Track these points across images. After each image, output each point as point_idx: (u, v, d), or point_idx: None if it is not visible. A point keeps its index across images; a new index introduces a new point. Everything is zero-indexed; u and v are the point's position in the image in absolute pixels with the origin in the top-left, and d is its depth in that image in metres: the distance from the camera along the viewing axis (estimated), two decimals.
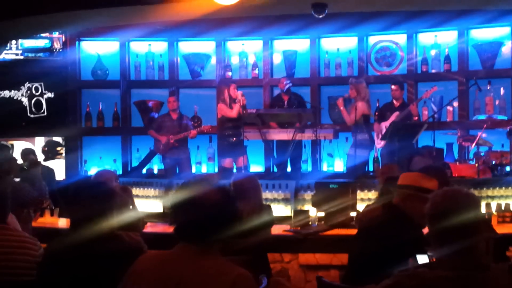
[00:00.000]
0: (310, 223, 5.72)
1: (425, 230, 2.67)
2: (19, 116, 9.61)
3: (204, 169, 9.24)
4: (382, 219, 3.66)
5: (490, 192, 6.34)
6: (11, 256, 3.46)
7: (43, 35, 9.50)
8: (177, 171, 8.66)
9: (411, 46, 9.05)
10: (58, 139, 9.50)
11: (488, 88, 8.50)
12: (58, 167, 8.86)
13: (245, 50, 9.54)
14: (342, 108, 8.21)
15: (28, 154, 7.78)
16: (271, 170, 8.77)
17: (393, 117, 8.10)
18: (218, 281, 2.33)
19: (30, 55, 9.63)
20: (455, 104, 8.72)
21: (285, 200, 6.71)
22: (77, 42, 9.60)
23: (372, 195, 6.31)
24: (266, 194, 6.44)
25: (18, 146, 9.16)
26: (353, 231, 3.99)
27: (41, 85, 9.67)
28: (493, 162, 7.19)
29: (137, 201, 5.60)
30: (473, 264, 2.38)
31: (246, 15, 7.95)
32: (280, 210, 6.45)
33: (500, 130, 7.88)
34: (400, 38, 9.21)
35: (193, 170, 8.98)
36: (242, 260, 3.62)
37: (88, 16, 7.29)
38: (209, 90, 9.55)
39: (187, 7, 6.56)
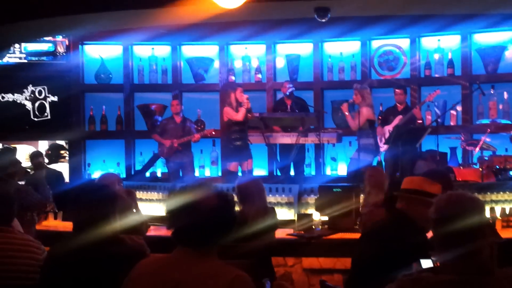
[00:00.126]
0: (313, 227, 5.71)
1: (429, 234, 2.66)
2: (23, 120, 9.62)
3: (207, 173, 9.24)
4: (386, 223, 3.65)
5: (494, 197, 6.33)
6: (15, 260, 3.46)
7: (46, 38, 9.53)
8: (181, 174, 8.66)
9: (414, 50, 9.05)
10: (62, 142, 9.51)
11: (492, 92, 8.50)
12: (62, 171, 8.86)
13: (248, 54, 9.54)
14: (346, 113, 8.20)
15: (36, 156, 7.79)
16: (275, 174, 8.76)
17: (396, 120, 8.10)
18: (216, 282, 2.33)
19: (33, 58, 9.65)
20: (459, 108, 8.72)
21: (289, 204, 6.70)
22: (80, 46, 9.62)
23: None
24: (270, 198, 6.44)
25: (22, 150, 9.18)
26: (357, 235, 3.98)
27: (44, 89, 9.69)
28: (497, 167, 7.18)
29: (140, 204, 5.60)
30: (477, 268, 2.37)
31: (249, 19, 7.95)
32: (283, 214, 6.44)
33: (504, 135, 7.87)
34: (403, 42, 9.21)
35: (197, 174, 8.98)
36: (245, 264, 3.62)
37: (92, 20, 7.30)
38: (212, 94, 9.56)
39: (190, 11, 6.56)
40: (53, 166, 8.64)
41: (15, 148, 7.74)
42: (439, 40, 8.98)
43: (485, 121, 8.36)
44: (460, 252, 2.38)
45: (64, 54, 9.65)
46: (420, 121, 8.11)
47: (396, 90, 8.32)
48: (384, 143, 7.95)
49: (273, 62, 9.48)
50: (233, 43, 9.58)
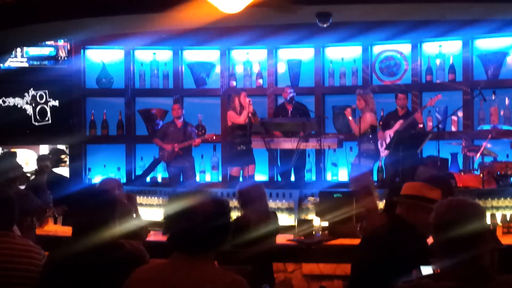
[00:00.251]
0: (313, 232, 5.70)
1: (430, 240, 2.65)
2: (24, 124, 9.62)
3: (208, 178, 9.23)
4: (386, 229, 3.63)
5: (495, 203, 6.32)
6: (16, 265, 3.45)
7: (48, 43, 9.53)
8: (181, 179, 8.66)
9: (416, 55, 9.04)
10: (62, 147, 9.50)
11: (493, 98, 8.49)
12: (65, 175, 8.86)
13: (250, 59, 9.55)
14: (350, 118, 8.18)
15: (43, 159, 7.78)
16: (275, 179, 8.75)
17: (397, 125, 8.10)
18: (213, 287, 2.34)
19: (35, 63, 9.65)
20: (460, 114, 8.71)
21: (289, 209, 6.70)
22: (82, 50, 9.63)
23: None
24: (270, 203, 6.42)
25: (22, 154, 9.17)
26: (357, 241, 3.96)
27: (45, 93, 9.69)
28: (498, 173, 7.16)
29: (140, 209, 5.59)
30: (478, 275, 2.37)
31: (251, 24, 7.95)
32: (283, 219, 6.43)
33: (505, 140, 7.86)
34: (404, 48, 9.21)
35: (197, 179, 8.98)
36: (246, 269, 3.61)
37: (93, 24, 7.31)
38: (213, 98, 9.56)
39: (192, 16, 6.56)
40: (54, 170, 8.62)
41: (15, 153, 7.73)
42: (440, 45, 8.98)
43: (486, 127, 8.35)
44: (461, 258, 2.38)
45: (65, 58, 9.65)
46: (421, 126, 8.10)
47: (399, 95, 8.32)
48: (385, 149, 7.94)
49: (275, 67, 9.48)
50: (235, 48, 9.58)
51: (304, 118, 8.34)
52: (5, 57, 9.49)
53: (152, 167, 9.01)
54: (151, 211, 6.96)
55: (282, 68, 9.58)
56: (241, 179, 8.38)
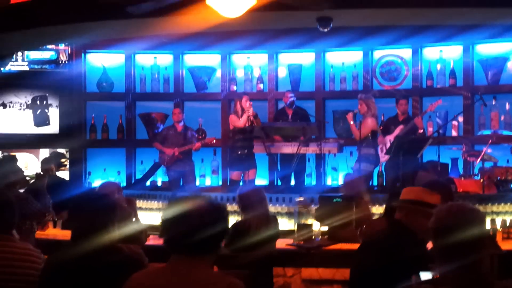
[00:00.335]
0: (313, 237, 5.68)
1: (429, 246, 2.65)
2: (24, 128, 9.62)
3: (208, 182, 9.23)
4: (385, 234, 3.63)
5: (495, 208, 6.31)
6: (16, 270, 3.44)
7: (49, 47, 9.54)
8: (181, 183, 8.65)
9: (416, 60, 9.05)
10: (62, 150, 9.50)
11: (494, 103, 8.48)
12: (66, 178, 8.85)
13: (250, 64, 9.56)
14: (352, 122, 8.15)
15: (47, 163, 7.77)
16: (275, 183, 8.75)
17: (398, 130, 8.09)
18: None
19: (36, 66, 9.66)
20: (460, 119, 8.71)
21: (289, 214, 6.68)
22: (83, 54, 9.65)
23: (376, 209, 6.29)
24: (270, 208, 6.40)
25: (22, 158, 9.17)
26: (357, 246, 3.95)
27: (46, 97, 9.70)
28: (498, 178, 7.16)
29: (140, 213, 5.58)
30: (477, 280, 2.36)
31: (252, 28, 7.96)
32: (283, 223, 6.42)
33: (505, 146, 7.86)
34: (405, 53, 9.21)
35: (197, 183, 8.97)
36: (244, 274, 3.61)
37: (94, 28, 7.31)
38: (214, 103, 9.57)
39: (192, 20, 6.57)
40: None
41: (15, 157, 7.73)
42: (441, 50, 8.98)
43: (487, 132, 8.34)
44: (460, 263, 2.37)
45: (66, 62, 9.66)
46: (422, 131, 8.10)
47: (401, 100, 8.32)
48: (385, 153, 7.94)
49: (275, 71, 9.49)
50: (235, 53, 9.59)
51: (304, 123, 8.34)
52: (6, 61, 9.49)
53: (152, 171, 9.01)
54: (151, 215, 6.95)
55: (282, 72, 9.58)
56: (241, 183, 8.38)
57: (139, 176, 9.32)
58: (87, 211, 3.06)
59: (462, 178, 7.40)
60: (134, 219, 5.09)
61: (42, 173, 7.42)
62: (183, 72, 9.66)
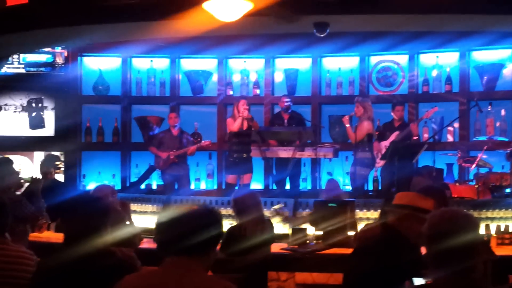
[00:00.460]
0: (308, 241, 5.68)
1: (423, 251, 2.64)
2: (19, 130, 9.60)
3: (203, 186, 9.22)
4: (378, 239, 3.62)
5: (489, 214, 6.31)
6: (10, 273, 3.43)
7: (45, 49, 9.52)
8: (176, 187, 8.64)
9: (413, 66, 9.07)
10: (57, 153, 9.48)
11: (489, 109, 8.50)
12: (61, 181, 8.84)
13: (247, 68, 9.56)
14: (348, 125, 8.13)
15: (47, 166, 7.75)
16: (270, 187, 8.75)
17: (393, 136, 8.10)
18: None
19: (32, 69, 9.64)
20: (456, 125, 8.72)
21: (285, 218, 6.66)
22: (79, 58, 9.63)
23: (371, 214, 6.29)
24: (265, 212, 6.40)
25: (16, 161, 9.14)
26: (351, 251, 3.95)
27: (42, 100, 9.68)
28: (493, 184, 7.17)
29: (135, 216, 5.57)
30: (470, 286, 2.35)
31: (248, 33, 7.96)
32: (278, 228, 6.40)
33: (501, 152, 7.86)
34: (401, 59, 9.23)
35: (192, 187, 8.96)
36: (238, 278, 3.60)
37: (91, 32, 7.30)
38: (210, 107, 9.56)
39: (189, 24, 6.56)
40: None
41: (11, 159, 7.70)
42: (437, 56, 9.00)
43: (482, 138, 8.35)
44: (453, 269, 2.36)
45: (62, 65, 9.64)
46: (416, 138, 8.10)
47: (397, 106, 8.32)
48: (381, 159, 7.94)
49: (272, 76, 9.49)
50: (232, 57, 9.60)
51: (300, 127, 8.34)
52: (2, 63, 9.47)
53: (147, 175, 9.00)
54: (145, 218, 6.93)
55: (279, 77, 9.59)
56: (237, 187, 8.37)
57: (134, 179, 9.30)
58: (80, 214, 3.05)
59: (457, 184, 7.42)
60: (128, 222, 5.08)
61: (41, 176, 7.41)
62: (179, 76, 9.65)
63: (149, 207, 7.11)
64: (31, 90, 9.61)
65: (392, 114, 8.37)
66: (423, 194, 3.64)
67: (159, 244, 2.50)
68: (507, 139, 8.36)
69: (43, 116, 9.68)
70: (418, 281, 2.85)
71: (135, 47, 8.92)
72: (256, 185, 8.93)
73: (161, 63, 9.68)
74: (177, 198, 7.30)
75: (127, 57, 9.58)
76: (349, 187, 8.40)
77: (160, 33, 7.71)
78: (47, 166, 7.76)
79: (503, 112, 8.58)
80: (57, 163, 9.02)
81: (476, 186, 7.04)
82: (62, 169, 9.41)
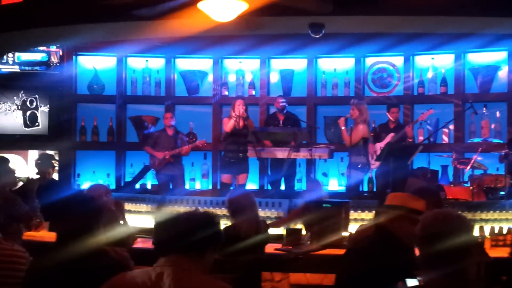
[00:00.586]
0: (302, 242, 5.67)
1: (416, 252, 2.64)
2: (14, 129, 9.58)
3: (198, 186, 9.21)
4: (371, 240, 3.61)
5: (484, 216, 6.32)
6: (5, 272, 3.42)
7: (40, 48, 9.50)
8: (171, 187, 8.63)
9: (408, 68, 9.08)
10: (51, 152, 9.45)
11: (484, 111, 8.52)
12: (57, 180, 8.81)
13: (242, 68, 9.55)
14: (343, 128, 8.11)
15: (45, 166, 7.72)
16: (265, 188, 8.74)
17: (388, 138, 8.10)
18: None
19: (26, 68, 9.61)
20: (451, 126, 8.74)
21: (278, 219, 6.66)
22: (74, 57, 9.61)
23: (366, 215, 6.29)
24: (259, 213, 6.40)
25: (10, 160, 9.12)
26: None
27: (36, 99, 9.66)
28: (488, 186, 7.18)
29: (129, 216, 5.56)
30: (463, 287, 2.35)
31: (244, 33, 7.95)
32: (272, 228, 6.40)
33: (495, 154, 7.87)
34: (397, 60, 9.24)
35: (187, 187, 8.95)
36: (233, 278, 3.59)
37: (86, 31, 7.29)
38: (205, 107, 9.56)
39: (185, 24, 6.55)
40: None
41: (7, 158, 7.68)
42: (433, 58, 9.02)
43: (477, 140, 8.37)
44: (446, 271, 2.36)
45: (57, 64, 9.62)
46: (411, 140, 8.10)
47: (392, 108, 8.32)
48: (376, 160, 7.93)
49: (267, 76, 9.50)
50: (227, 57, 9.59)
51: (295, 128, 8.34)
52: None
53: (141, 174, 8.98)
54: (139, 218, 6.93)
55: (274, 78, 9.59)
56: (232, 187, 8.36)
57: (128, 179, 9.29)
58: (73, 213, 3.04)
59: (452, 185, 7.43)
60: (122, 222, 5.07)
61: (39, 175, 7.39)
62: (174, 75, 9.64)
63: (143, 207, 7.10)
64: (25, 89, 9.59)
65: (387, 115, 8.37)
66: (417, 195, 3.63)
67: (157, 243, 2.49)
68: (501, 141, 8.38)
69: (38, 115, 9.66)
70: (411, 282, 2.84)
71: (131, 47, 8.91)
72: (251, 185, 8.93)
73: (156, 63, 9.67)
74: (171, 198, 7.30)
75: (123, 56, 9.56)
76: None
77: (156, 33, 7.71)
78: (45, 165, 7.73)
79: (498, 114, 8.61)
80: (52, 161, 8.99)
81: (471, 188, 7.04)
82: (57, 168, 9.39)
